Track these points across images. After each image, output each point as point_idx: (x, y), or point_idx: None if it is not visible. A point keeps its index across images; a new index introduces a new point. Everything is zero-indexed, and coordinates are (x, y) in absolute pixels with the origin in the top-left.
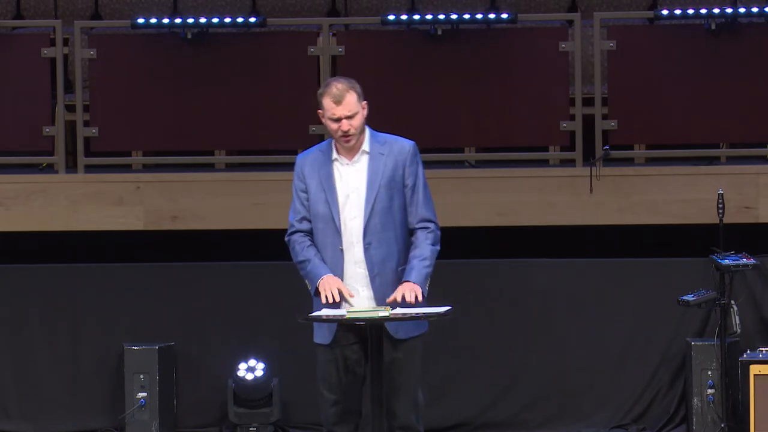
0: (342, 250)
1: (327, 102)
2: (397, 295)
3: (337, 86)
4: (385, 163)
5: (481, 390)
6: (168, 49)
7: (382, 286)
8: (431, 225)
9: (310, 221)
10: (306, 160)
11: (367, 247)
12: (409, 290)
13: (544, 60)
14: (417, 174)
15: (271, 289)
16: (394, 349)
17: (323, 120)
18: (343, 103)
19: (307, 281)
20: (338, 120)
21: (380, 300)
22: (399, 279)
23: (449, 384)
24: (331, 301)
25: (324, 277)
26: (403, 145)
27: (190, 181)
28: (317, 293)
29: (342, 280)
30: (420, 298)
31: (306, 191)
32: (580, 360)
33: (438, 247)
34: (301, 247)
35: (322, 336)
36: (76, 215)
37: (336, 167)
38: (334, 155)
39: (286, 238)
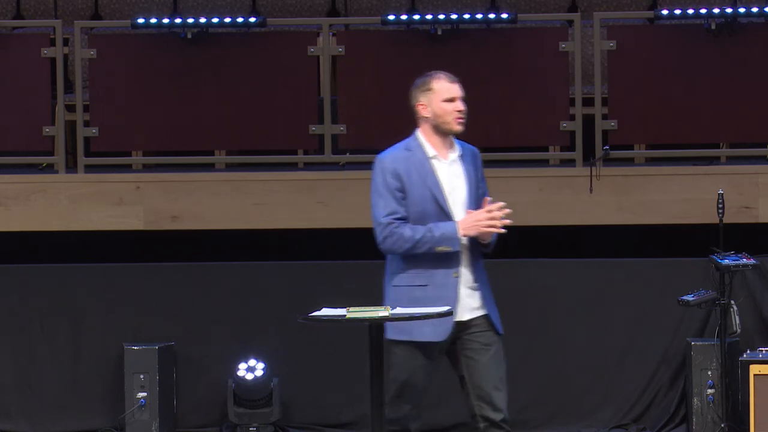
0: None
1: (441, 84)
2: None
3: (444, 72)
4: (471, 164)
5: None
6: (168, 49)
7: (481, 284)
8: None
9: (406, 219)
10: (396, 159)
11: (471, 245)
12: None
13: (544, 60)
14: (484, 179)
15: (271, 289)
16: (498, 343)
17: (430, 107)
18: (457, 84)
19: (442, 246)
20: (453, 100)
21: (483, 296)
22: (486, 278)
23: (449, 384)
24: (494, 223)
25: (457, 222)
26: (474, 150)
27: (190, 181)
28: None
29: (458, 279)
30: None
31: (402, 190)
32: (580, 360)
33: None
34: (410, 228)
35: (433, 332)
36: (76, 215)
37: (434, 164)
38: (432, 152)
39: (381, 237)
